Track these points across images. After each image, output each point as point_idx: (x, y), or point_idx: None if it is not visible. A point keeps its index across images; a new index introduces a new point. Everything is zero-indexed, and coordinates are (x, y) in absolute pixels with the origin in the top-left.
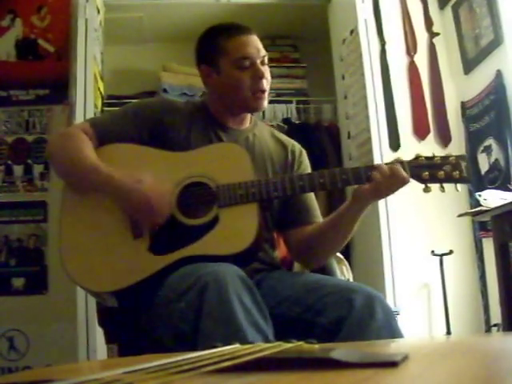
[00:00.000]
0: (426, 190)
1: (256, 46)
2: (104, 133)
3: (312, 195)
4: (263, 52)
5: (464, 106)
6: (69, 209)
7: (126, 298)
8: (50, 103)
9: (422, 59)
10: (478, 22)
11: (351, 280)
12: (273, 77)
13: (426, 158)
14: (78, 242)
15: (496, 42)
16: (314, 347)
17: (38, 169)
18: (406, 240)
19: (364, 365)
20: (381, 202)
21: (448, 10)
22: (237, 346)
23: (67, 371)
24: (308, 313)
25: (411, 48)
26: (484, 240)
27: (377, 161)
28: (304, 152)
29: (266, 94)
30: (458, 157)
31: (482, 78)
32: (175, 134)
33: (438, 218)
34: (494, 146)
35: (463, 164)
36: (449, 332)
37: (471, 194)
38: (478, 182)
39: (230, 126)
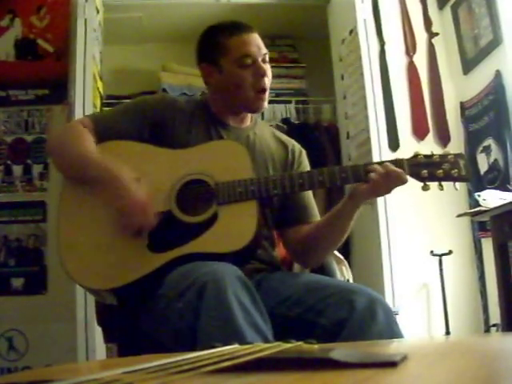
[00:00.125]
0: (425, 188)
1: (257, 43)
2: (104, 128)
3: (310, 194)
4: (264, 50)
5: (463, 106)
6: (67, 206)
7: (125, 296)
8: (49, 103)
9: (421, 59)
10: (477, 22)
11: (351, 280)
12: (272, 77)
13: (425, 156)
14: (77, 239)
15: (495, 42)
16: (314, 347)
17: (37, 169)
18: (406, 240)
19: (363, 365)
20: (380, 203)
21: (447, 10)
22: (236, 346)
23: (66, 371)
24: (309, 313)
25: (410, 48)
26: (483, 240)
27: (374, 161)
28: (304, 152)
29: (267, 94)
30: (456, 155)
31: (481, 78)
32: (176, 131)
33: (437, 218)
34: (493, 147)
35: (462, 162)
36: (448, 332)
37: (470, 194)
38: (477, 182)
39: (231, 124)
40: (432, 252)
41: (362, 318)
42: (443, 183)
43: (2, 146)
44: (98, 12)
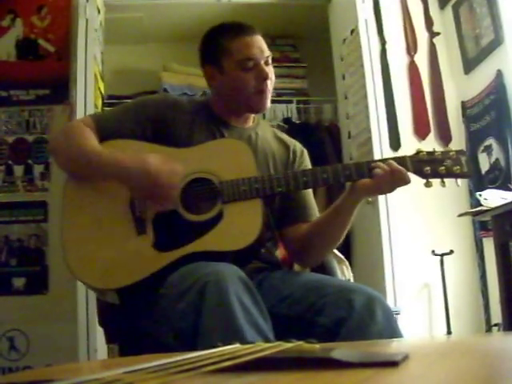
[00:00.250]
0: (428, 184)
1: (260, 46)
2: (106, 128)
3: (310, 194)
4: (267, 52)
5: (464, 106)
6: (71, 206)
7: (128, 295)
8: (50, 103)
9: (422, 59)
10: (478, 22)
11: (352, 280)
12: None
13: (427, 153)
14: (81, 238)
15: (496, 42)
16: (315, 347)
17: (38, 169)
18: (407, 240)
19: (364, 364)
20: (381, 202)
21: (448, 9)
22: (237, 345)
23: (67, 371)
24: (308, 312)
25: (411, 48)
26: (484, 240)
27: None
28: (305, 152)
29: (269, 95)
30: (457, 152)
31: (482, 77)
32: (178, 131)
33: (439, 217)
34: (495, 146)
35: (463, 159)
36: (449, 332)
37: (472, 194)
38: (479, 182)
39: (233, 124)
40: (433, 252)
41: (360, 316)
42: (445, 180)
43: (3, 146)
44: (99, 12)
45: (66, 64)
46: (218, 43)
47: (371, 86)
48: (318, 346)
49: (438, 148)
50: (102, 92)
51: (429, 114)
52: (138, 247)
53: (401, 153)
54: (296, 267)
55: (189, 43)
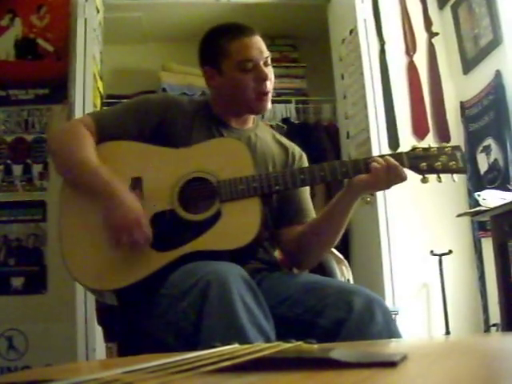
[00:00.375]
0: (424, 180)
1: (259, 47)
2: (105, 127)
3: (307, 195)
4: (266, 53)
5: (463, 106)
6: (69, 206)
7: (126, 296)
8: (49, 103)
9: (421, 59)
10: (477, 22)
11: (351, 280)
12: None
13: (423, 149)
14: (79, 240)
15: (495, 42)
16: (314, 347)
17: (37, 168)
18: (405, 240)
19: (363, 365)
20: (380, 202)
21: (447, 9)
22: (236, 345)
23: (66, 371)
24: (307, 313)
25: (410, 48)
26: (483, 240)
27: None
28: (304, 155)
29: (270, 96)
30: (453, 147)
31: (481, 77)
32: (177, 130)
33: (437, 217)
34: (493, 146)
35: (458, 154)
36: (448, 332)
37: (470, 194)
38: (477, 182)
39: (232, 125)
40: (432, 252)
41: (360, 318)
42: (441, 175)
43: (2, 145)
44: (98, 12)
45: (64, 63)
46: (216, 45)
47: (370, 86)
48: (316, 346)
49: None
50: (101, 92)
51: (428, 114)
52: (135, 248)
53: None
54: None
55: (188, 43)
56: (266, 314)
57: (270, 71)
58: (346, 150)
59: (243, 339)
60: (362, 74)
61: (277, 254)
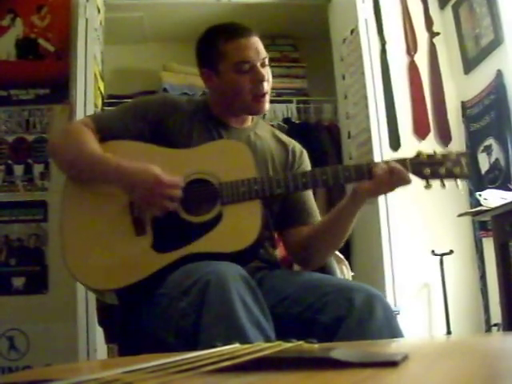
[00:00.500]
0: (427, 186)
1: (256, 48)
2: (106, 128)
3: (311, 196)
4: (263, 54)
5: (464, 106)
6: (70, 207)
7: (127, 296)
8: (50, 103)
9: (422, 59)
10: (478, 22)
11: (351, 280)
12: (273, 76)
13: (428, 155)
14: (80, 240)
15: (496, 42)
16: (314, 347)
17: (38, 168)
18: (407, 240)
19: (364, 364)
20: (381, 202)
21: (448, 9)
22: (236, 345)
23: (67, 371)
24: (308, 311)
25: (411, 48)
26: (484, 240)
27: (377, 160)
28: (305, 152)
29: (267, 97)
30: (458, 153)
31: (482, 77)
32: (177, 131)
33: (438, 217)
34: (495, 146)
35: (464, 161)
36: (449, 332)
37: (471, 194)
38: (479, 182)
39: (232, 125)
40: (433, 252)
41: (360, 314)
42: (445, 181)
43: (2, 145)
44: (98, 12)
45: (65, 63)
46: (213, 46)
47: (371, 85)
48: (317, 345)
49: (438, 148)
50: (102, 92)
51: (429, 114)
52: (137, 248)
53: (400, 153)
54: (296, 268)
55: (189, 43)
56: (266, 313)
57: (267, 72)
58: (347, 150)
59: (243, 338)
60: (362, 73)
61: (277, 253)
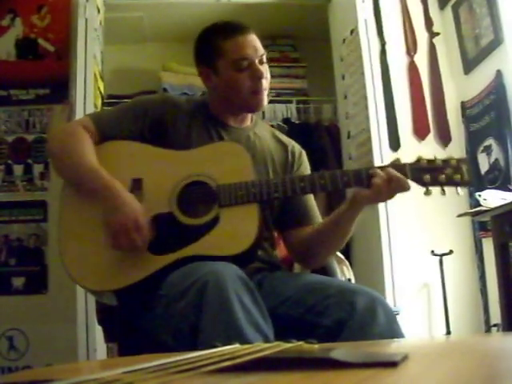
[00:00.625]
0: (427, 193)
1: (253, 45)
2: (105, 129)
3: (311, 196)
4: (261, 51)
5: (464, 106)
6: (68, 208)
7: (125, 297)
8: (50, 103)
9: (422, 59)
10: (478, 22)
11: (352, 280)
12: (273, 76)
13: (428, 160)
14: (78, 241)
15: (496, 42)
16: (314, 347)
17: (38, 168)
18: (406, 240)
19: (364, 365)
20: (381, 203)
21: (448, 10)
22: (237, 345)
23: (67, 371)
24: (309, 314)
25: (411, 48)
26: (484, 240)
27: (377, 161)
28: (304, 153)
29: (266, 93)
30: (459, 160)
31: (482, 77)
32: (176, 131)
33: (438, 218)
34: (494, 146)
35: (464, 167)
36: (449, 332)
37: (471, 194)
38: (478, 182)
39: (231, 124)
40: (433, 252)
41: (362, 318)
42: (445, 188)
43: (2, 145)
44: (98, 11)
45: (65, 63)
46: (211, 44)
47: (371, 86)
48: (317, 346)
49: (438, 149)
50: (102, 92)
51: (428, 115)
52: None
53: (400, 153)
54: (296, 268)
55: (189, 43)
56: (264, 314)
57: (265, 69)
58: (347, 150)
59: (241, 339)
60: (362, 73)
61: (277, 253)
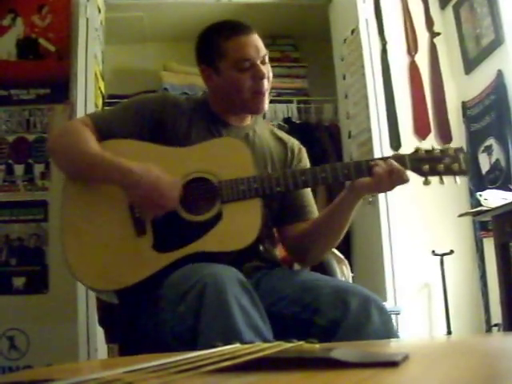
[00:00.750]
0: (426, 182)
1: (256, 45)
2: (105, 127)
3: (309, 192)
4: (263, 51)
5: (465, 106)
6: (70, 208)
7: (127, 296)
8: (50, 102)
9: (422, 59)
10: (478, 22)
11: (351, 280)
12: (273, 76)
13: (426, 151)
14: (81, 239)
15: (497, 42)
16: (315, 347)
17: (38, 168)
18: (407, 240)
19: (364, 364)
20: (381, 202)
21: (449, 9)
22: (237, 345)
23: (67, 371)
24: (304, 312)
25: (412, 48)
26: (485, 240)
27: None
28: (303, 149)
29: (267, 95)
30: (456, 149)
31: (482, 77)
32: (176, 129)
33: (439, 217)
34: (495, 146)
35: (462, 156)
36: (449, 332)
37: (472, 194)
38: (479, 182)
39: (231, 123)
40: (433, 252)
41: (356, 318)
42: (444, 178)
43: (3, 145)
44: (99, 11)
45: (66, 63)
46: (213, 44)
47: (372, 85)
48: (317, 345)
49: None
50: (103, 91)
51: (429, 114)
52: (138, 248)
53: (401, 152)
54: (296, 267)
55: (189, 43)
56: (263, 316)
57: (267, 69)
58: (348, 150)
59: (240, 342)
60: (363, 73)
61: (277, 251)
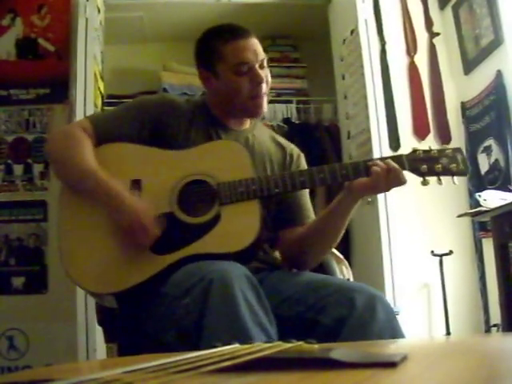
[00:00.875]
0: (424, 183)
1: (254, 49)
2: (104, 131)
3: (307, 196)
4: (262, 55)
5: (464, 107)
6: (68, 209)
7: (126, 299)
8: (50, 102)
9: (422, 59)
10: (478, 23)
11: (351, 280)
12: (273, 76)
13: (424, 151)
14: (78, 243)
15: (496, 42)
16: (314, 347)
17: (38, 168)
18: (406, 240)
19: (363, 365)
20: (380, 202)
21: (448, 10)
22: (237, 345)
23: (67, 371)
24: (309, 312)
25: (411, 48)
26: (484, 240)
27: (375, 157)
28: (302, 155)
29: (265, 99)
30: (454, 149)
31: (482, 78)
32: (175, 131)
33: (438, 218)
34: (494, 147)
35: (459, 156)
36: (448, 332)
37: (471, 195)
38: (478, 183)
39: (230, 126)
40: (433, 252)
41: (362, 316)
42: (442, 178)
43: (2, 145)
44: (98, 11)
45: (65, 63)
46: (211, 47)
47: (371, 86)
48: (317, 346)
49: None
50: (102, 91)
51: (428, 115)
52: (136, 251)
53: (400, 153)
54: None
55: (189, 43)
56: (268, 313)
57: (265, 74)
58: (347, 150)
59: (245, 337)
60: (362, 74)
61: (277, 254)
